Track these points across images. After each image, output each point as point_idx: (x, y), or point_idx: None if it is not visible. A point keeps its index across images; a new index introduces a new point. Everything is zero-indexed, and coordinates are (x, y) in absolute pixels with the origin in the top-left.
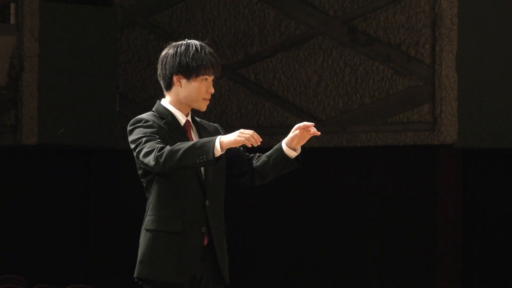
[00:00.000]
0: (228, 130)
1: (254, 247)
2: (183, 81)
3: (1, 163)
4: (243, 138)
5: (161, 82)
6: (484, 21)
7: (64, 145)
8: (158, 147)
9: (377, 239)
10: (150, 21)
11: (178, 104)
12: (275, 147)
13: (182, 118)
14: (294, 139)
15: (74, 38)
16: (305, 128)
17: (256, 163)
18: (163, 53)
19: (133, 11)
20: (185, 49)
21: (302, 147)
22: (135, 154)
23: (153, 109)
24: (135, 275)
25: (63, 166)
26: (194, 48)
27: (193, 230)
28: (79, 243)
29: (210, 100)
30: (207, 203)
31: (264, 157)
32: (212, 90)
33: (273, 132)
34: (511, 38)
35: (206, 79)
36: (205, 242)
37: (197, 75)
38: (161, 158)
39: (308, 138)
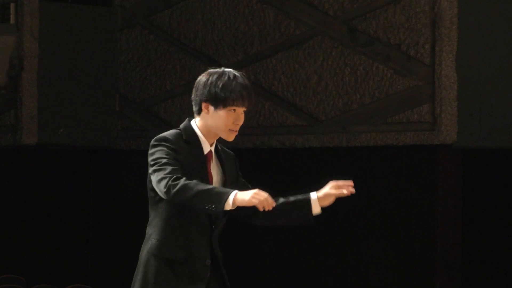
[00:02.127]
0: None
1: (254, 247)
2: (211, 109)
3: (0, 163)
4: (256, 201)
5: (193, 106)
6: (484, 21)
7: (64, 145)
8: (174, 176)
9: (377, 239)
10: (150, 21)
11: (205, 130)
12: (300, 196)
13: (206, 147)
14: (329, 197)
15: (74, 38)
16: (344, 187)
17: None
18: (199, 78)
19: (133, 11)
20: (217, 78)
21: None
22: (150, 171)
23: (181, 127)
24: None
25: (63, 166)
26: (226, 77)
27: (198, 261)
28: (79, 243)
29: None
30: (212, 236)
31: (282, 200)
32: (240, 122)
33: (273, 132)
34: (511, 38)
35: (234, 109)
36: (207, 275)
37: (224, 106)
38: (173, 189)
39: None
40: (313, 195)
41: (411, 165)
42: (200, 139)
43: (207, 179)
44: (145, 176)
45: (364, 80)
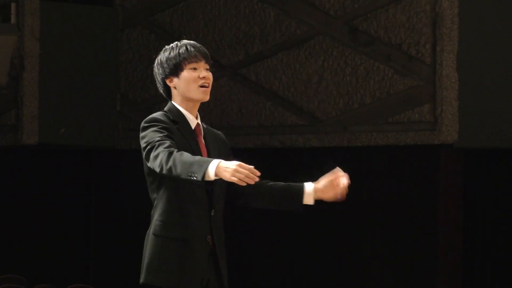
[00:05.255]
0: (229, 130)
1: (254, 247)
2: (175, 80)
3: (2, 163)
4: (236, 179)
5: (162, 92)
6: (485, 21)
7: (65, 145)
8: (167, 152)
9: (378, 239)
10: (151, 21)
11: (184, 104)
12: (294, 184)
13: (192, 121)
14: (327, 191)
15: (75, 38)
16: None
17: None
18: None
19: (134, 11)
20: (163, 53)
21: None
22: (144, 153)
23: (166, 109)
24: (141, 281)
25: (64, 166)
26: (169, 48)
27: (200, 238)
28: (80, 243)
29: (210, 99)
30: (212, 212)
31: (271, 184)
32: (205, 74)
33: (273, 132)
34: None
35: (194, 68)
36: (210, 249)
37: (182, 69)
38: (166, 165)
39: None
40: (309, 186)
41: (412, 165)
42: (186, 116)
43: (200, 153)
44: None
45: (365, 80)
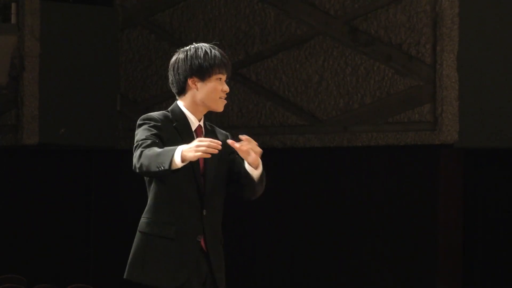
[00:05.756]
0: (229, 130)
1: (254, 247)
2: (199, 83)
3: (2, 163)
4: (200, 153)
5: (174, 88)
6: (485, 21)
7: (65, 145)
8: (139, 151)
9: (378, 239)
10: (151, 21)
11: (193, 107)
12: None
13: (194, 122)
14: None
15: (75, 38)
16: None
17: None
18: (173, 59)
19: (134, 11)
20: (195, 51)
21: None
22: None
23: (169, 109)
24: (125, 276)
25: (64, 166)
26: (203, 49)
27: (188, 237)
28: (80, 243)
29: None
30: (204, 213)
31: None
32: (227, 89)
33: (274, 132)
34: None
35: (220, 78)
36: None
37: (210, 75)
38: (137, 162)
39: (248, 153)
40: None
41: (412, 165)
42: (188, 117)
43: None
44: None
45: (365, 80)
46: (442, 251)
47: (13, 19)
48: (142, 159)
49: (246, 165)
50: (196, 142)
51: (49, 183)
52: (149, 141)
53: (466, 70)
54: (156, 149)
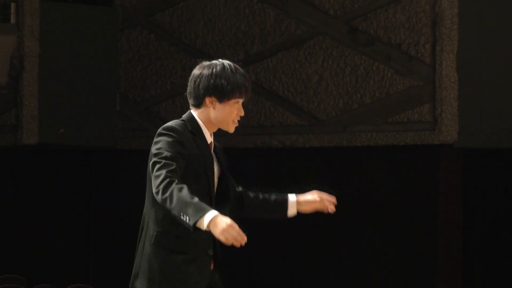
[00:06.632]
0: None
1: (254, 247)
2: (216, 103)
3: (2, 163)
4: (224, 238)
5: (191, 99)
6: (485, 21)
7: (65, 145)
8: (168, 180)
9: (378, 239)
10: (150, 20)
11: (207, 123)
12: (281, 195)
13: (208, 138)
14: (310, 205)
15: (74, 38)
16: (327, 202)
17: (252, 197)
18: (196, 72)
19: (133, 10)
20: (221, 70)
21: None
22: (152, 161)
23: (184, 118)
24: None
25: (63, 166)
26: (229, 70)
27: (201, 252)
28: (80, 243)
29: None
30: None
31: (264, 195)
32: (243, 113)
33: (273, 132)
34: None
35: (238, 101)
36: (212, 266)
37: (230, 99)
38: (162, 195)
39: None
40: (292, 197)
41: (412, 165)
42: (203, 130)
43: (212, 168)
44: (145, 176)
45: (364, 80)
46: (442, 251)
47: (13, 19)
48: (169, 194)
49: (294, 202)
50: (227, 224)
51: (49, 183)
52: (174, 165)
53: (465, 70)
54: (186, 194)
